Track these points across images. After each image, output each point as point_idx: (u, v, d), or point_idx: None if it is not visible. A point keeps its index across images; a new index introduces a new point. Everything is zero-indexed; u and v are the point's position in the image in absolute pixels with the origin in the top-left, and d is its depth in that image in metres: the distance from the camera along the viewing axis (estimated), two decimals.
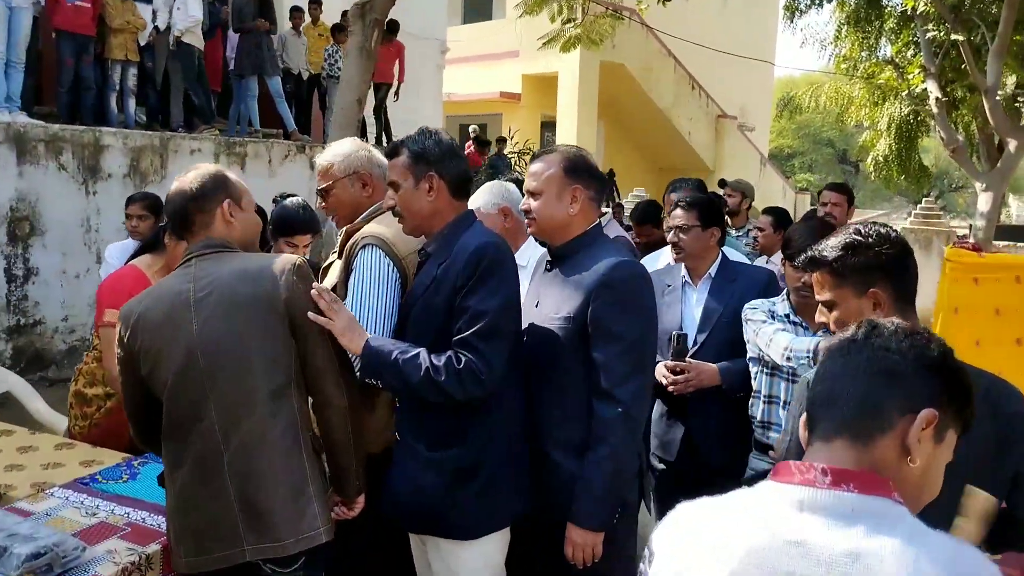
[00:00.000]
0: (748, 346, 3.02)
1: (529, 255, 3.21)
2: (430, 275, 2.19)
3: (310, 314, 2.02)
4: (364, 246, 2.39)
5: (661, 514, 1.60)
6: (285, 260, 2.04)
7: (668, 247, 3.59)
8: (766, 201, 17.66)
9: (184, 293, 1.98)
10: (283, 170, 8.86)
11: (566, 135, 18.11)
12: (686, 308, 3.16)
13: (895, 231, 1.87)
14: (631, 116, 20.05)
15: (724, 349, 3.03)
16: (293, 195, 3.87)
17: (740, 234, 5.57)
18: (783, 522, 1.00)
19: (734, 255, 3.62)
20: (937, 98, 9.53)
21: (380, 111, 11.42)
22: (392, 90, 11.44)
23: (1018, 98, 10.34)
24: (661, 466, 3.13)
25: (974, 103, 10.39)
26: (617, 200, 13.54)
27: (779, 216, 4.62)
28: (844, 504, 1.00)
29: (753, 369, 3.02)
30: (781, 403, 2.93)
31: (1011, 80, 10.39)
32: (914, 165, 14.60)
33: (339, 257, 2.59)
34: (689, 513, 1.12)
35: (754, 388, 3.02)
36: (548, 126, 20.20)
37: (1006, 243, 11.94)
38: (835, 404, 1.08)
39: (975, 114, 10.81)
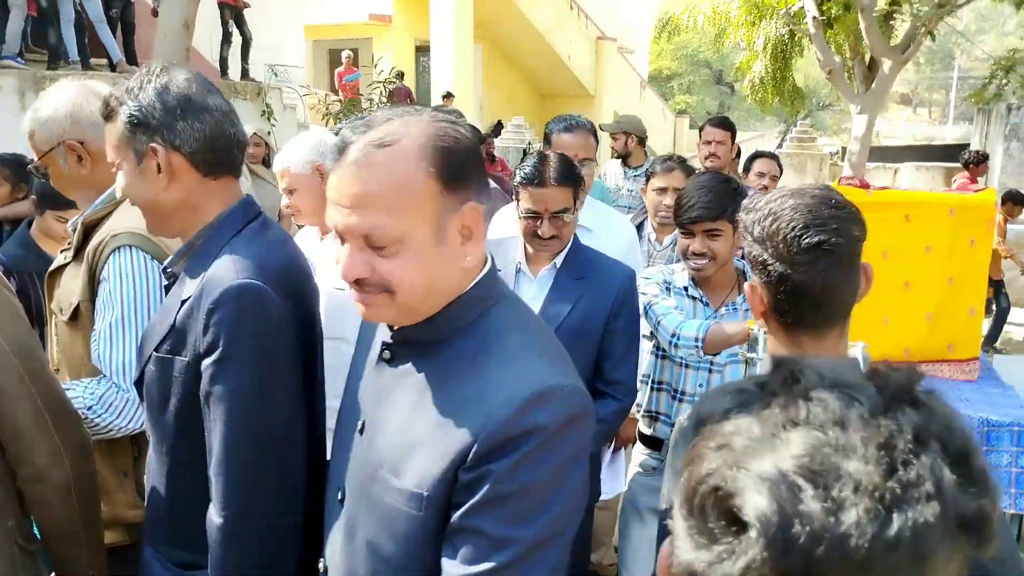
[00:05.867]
0: (642, 320, 2.58)
1: None
2: (169, 314, 1.45)
3: None
4: (116, 248, 1.75)
5: None
6: None
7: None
8: (647, 124, 17.52)
9: None
10: None
11: (441, 60, 17.15)
12: None
13: None
14: (510, 39, 19.22)
15: None
16: None
17: (638, 174, 5.16)
18: None
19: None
20: (814, 17, 9.30)
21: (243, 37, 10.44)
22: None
23: (893, 15, 10.28)
24: None
25: (849, 22, 10.26)
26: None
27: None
28: None
29: (645, 347, 2.58)
30: (671, 391, 2.51)
31: None
32: (788, 86, 14.60)
33: (74, 258, 1.87)
34: None
35: (643, 370, 2.58)
36: (423, 51, 19.14)
37: (875, 164, 12.15)
38: None
39: (848, 34, 10.71)
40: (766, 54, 13.81)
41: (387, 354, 1.21)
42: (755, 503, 0.49)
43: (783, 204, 1.32)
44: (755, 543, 0.49)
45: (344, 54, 15.87)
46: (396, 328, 1.20)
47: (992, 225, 3.83)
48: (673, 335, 2.28)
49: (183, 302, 1.41)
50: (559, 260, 2.34)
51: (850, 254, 1.31)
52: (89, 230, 1.83)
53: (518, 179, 2.31)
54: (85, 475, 1.51)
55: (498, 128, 11.93)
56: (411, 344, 1.19)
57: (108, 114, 1.47)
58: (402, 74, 14.37)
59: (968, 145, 9.96)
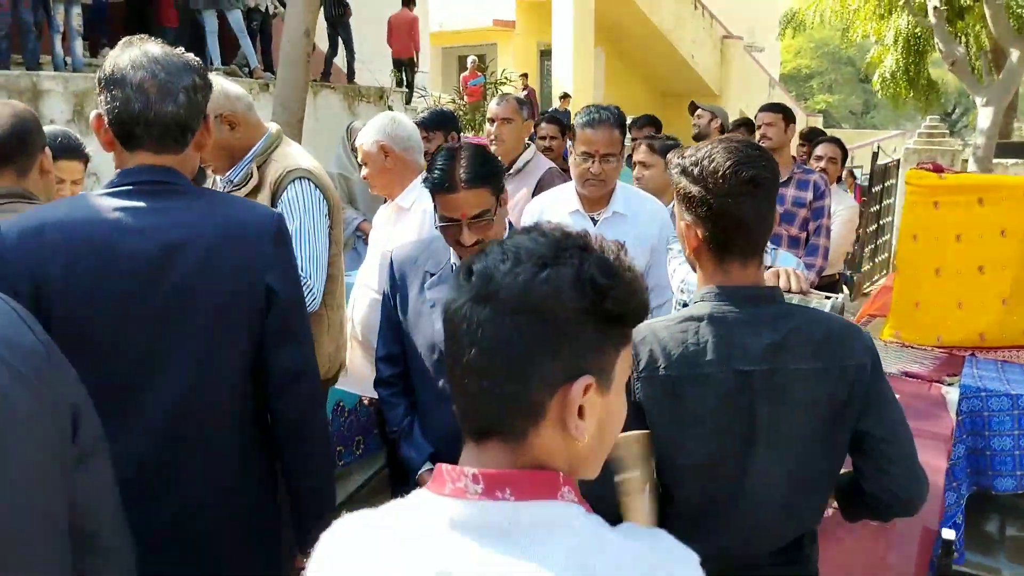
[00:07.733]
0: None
1: (414, 196, 2.92)
2: None
3: None
4: (294, 179, 2.33)
5: None
6: None
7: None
8: None
9: None
10: None
11: (563, 64, 17.48)
12: None
13: None
14: (631, 41, 19.26)
15: None
16: None
17: None
18: (432, 547, 0.80)
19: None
20: (936, 7, 8.92)
21: None
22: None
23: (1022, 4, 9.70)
24: None
25: (980, 12, 9.76)
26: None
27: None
28: (499, 517, 0.79)
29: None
30: None
31: None
32: (923, 81, 13.91)
33: (250, 194, 2.41)
34: (347, 532, 0.88)
35: None
36: (547, 55, 19.54)
37: (1014, 160, 11.38)
38: (478, 401, 0.85)
39: (982, 23, 10.17)
40: (896, 48, 13.25)
41: None
42: (476, 262, 0.84)
43: (715, 148, 1.52)
44: (471, 286, 0.82)
45: (469, 59, 16.53)
46: None
47: None
48: (683, 280, 2.48)
49: None
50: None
51: (773, 188, 1.51)
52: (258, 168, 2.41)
53: (429, 184, 2.03)
54: None
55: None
56: None
57: None
58: (506, 79, 14.83)
59: None
